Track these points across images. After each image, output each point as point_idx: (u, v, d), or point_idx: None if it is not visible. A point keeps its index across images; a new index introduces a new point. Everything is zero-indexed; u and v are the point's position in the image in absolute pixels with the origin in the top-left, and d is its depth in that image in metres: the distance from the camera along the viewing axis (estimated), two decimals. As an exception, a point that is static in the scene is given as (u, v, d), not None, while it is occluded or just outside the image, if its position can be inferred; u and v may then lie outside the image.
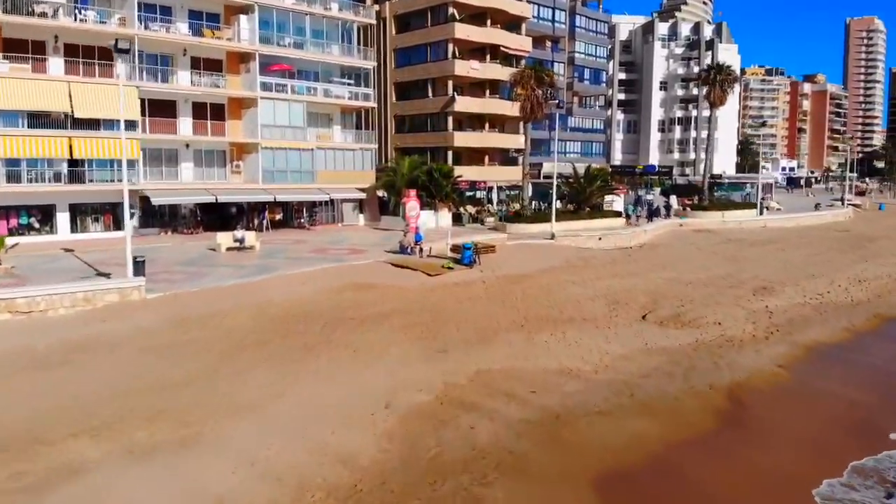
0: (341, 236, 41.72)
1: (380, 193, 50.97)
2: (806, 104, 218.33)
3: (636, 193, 65.94)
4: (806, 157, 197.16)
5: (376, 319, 21.81)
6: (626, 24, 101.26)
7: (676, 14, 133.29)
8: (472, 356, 18.58)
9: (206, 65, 42.82)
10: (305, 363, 17.44)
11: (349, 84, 48.69)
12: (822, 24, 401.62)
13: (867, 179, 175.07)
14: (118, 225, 40.86)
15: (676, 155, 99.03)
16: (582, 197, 49.25)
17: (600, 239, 41.72)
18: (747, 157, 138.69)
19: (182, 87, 41.59)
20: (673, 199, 71.46)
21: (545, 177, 70.51)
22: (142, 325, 20.35)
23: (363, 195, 48.27)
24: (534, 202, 55.00)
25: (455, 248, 34.32)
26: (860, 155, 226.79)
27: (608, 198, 54.39)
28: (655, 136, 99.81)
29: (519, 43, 59.86)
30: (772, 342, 21.81)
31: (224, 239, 34.10)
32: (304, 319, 21.44)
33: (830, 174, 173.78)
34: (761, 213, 58.61)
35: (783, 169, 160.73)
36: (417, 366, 17.56)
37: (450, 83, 55.57)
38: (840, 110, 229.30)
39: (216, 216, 44.39)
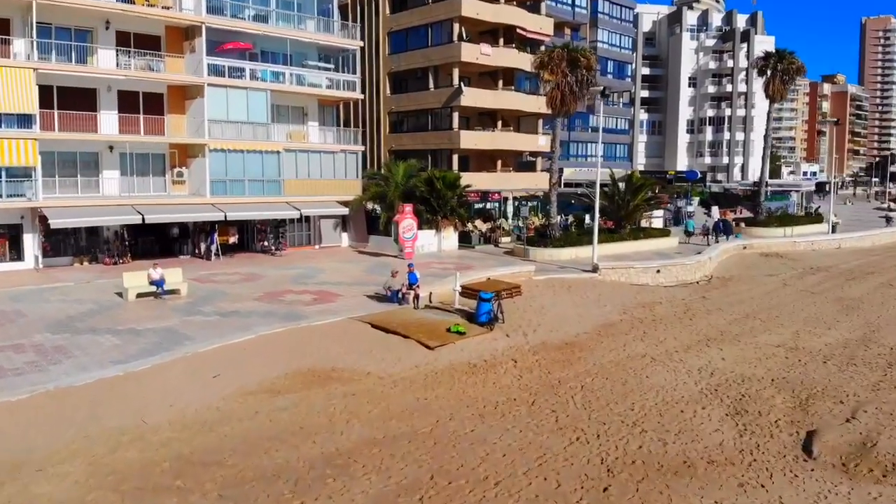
0: (313, 267, 31.43)
1: (369, 207, 40.77)
2: (826, 105, 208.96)
3: (675, 205, 55.56)
4: (828, 160, 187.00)
5: (324, 476, 11.47)
6: (650, 14, 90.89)
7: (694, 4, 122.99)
8: None
9: (137, 42, 32.55)
10: None
11: (328, 69, 38.43)
12: (836, 24, 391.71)
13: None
14: (19, 253, 30.77)
15: (707, 159, 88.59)
16: (623, 212, 38.88)
17: (658, 272, 31.37)
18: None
19: (104, 71, 31.32)
20: (714, 211, 61.53)
21: (566, 185, 60.41)
22: None
23: (346, 210, 37.92)
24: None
25: (467, 292, 24.07)
26: (877, 159, 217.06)
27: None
28: (683, 138, 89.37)
29: (538, 25, 49.57)
30: None
31: (133, 281, 23.74)
32: (184, 483, 11.12)
33: (859, 179, 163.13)
34: (834, 231, 48.14)
35: (805, 173, 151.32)
36: None
37: (455, 72, 45.23)
38: (861, 112, 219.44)
39: (153, 239, 34.34)
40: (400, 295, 23.53)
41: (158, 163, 33.92)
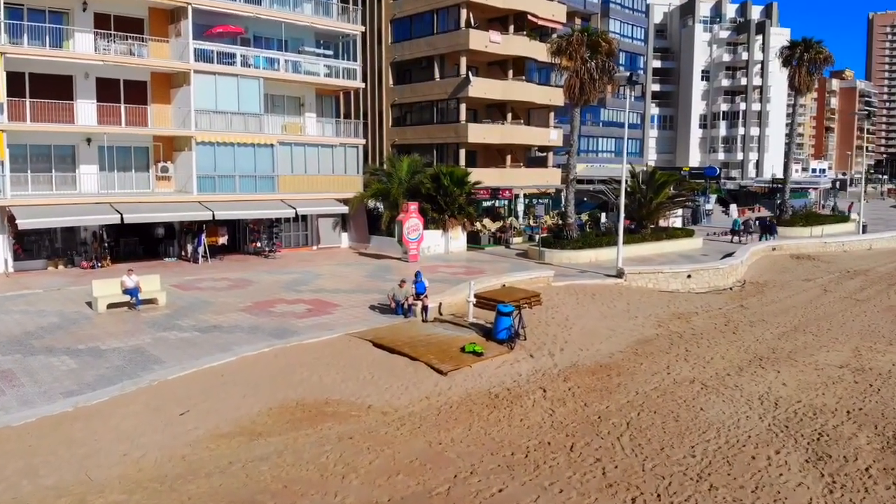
0: (309, 271, 28.68)
1: (370, 205, 38.04)
2: (834, 102, 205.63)
3: (694, 203, 52.73)
4: (835, 156, 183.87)
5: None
6: (661, 6, 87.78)
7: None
8: None
9: (118, 24, 29.80)
10: None
11: (327, 56, 35.65)
12: (843, 19, 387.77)
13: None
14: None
15: (721, 155, 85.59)
16: (644, 211, 36.10)
17: (689, 277, 28.59)
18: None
19: (81, 56, 28.54)
20: (733, 209, 58.96)
21: (577, 181, 57.70)
22: None
23: (346, 209, 35.16)
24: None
25: (481, 302, 21.35)
26: (885, 155, 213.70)
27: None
28: (696, 133, 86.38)
29: (551, 11, 46.65)
30: None
31: (104, 289, 21.00)
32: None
33: (869, 176, 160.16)
34: (864, 231, 45.28)
35: (814, 171, 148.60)
36: None
37: (462, 61, 42.42)
38: (870, 108, 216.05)
39: (136, 240, 31.69)
40: (406, 306, 20.81)
41: (141, 157, 31.15)
